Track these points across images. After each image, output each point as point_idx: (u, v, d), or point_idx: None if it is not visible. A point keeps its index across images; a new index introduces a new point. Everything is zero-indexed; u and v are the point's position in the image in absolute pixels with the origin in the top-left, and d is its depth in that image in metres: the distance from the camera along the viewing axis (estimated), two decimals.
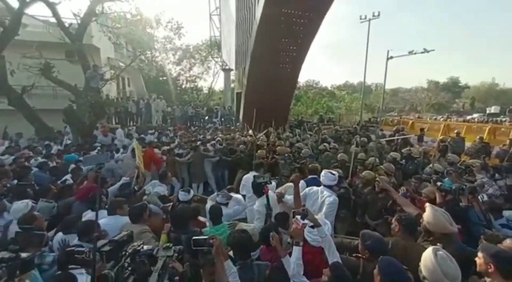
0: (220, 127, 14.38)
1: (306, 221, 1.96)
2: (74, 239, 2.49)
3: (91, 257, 1.24)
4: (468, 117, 28.95)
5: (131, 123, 14.08)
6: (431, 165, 4.33)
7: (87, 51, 10.11)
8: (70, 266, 1.32)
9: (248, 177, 4.24)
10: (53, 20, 9.35)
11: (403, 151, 5.72)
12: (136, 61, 15.07)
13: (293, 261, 1.85)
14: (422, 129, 10.30)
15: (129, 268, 1.16)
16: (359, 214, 4.02)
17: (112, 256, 1.18)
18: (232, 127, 13.75)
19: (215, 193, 3.83)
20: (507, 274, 1.58)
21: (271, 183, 3.20)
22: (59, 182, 4.49)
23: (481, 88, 47.31)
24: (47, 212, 3.45)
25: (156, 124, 14.03)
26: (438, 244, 2.13)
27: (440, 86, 48.04)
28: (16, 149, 7.06)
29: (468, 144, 8.31)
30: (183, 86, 29.54)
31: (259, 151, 6.02)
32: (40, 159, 5.65)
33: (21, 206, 2.99)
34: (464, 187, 2.66)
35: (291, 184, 3.41)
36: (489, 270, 1.64)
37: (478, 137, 7.46)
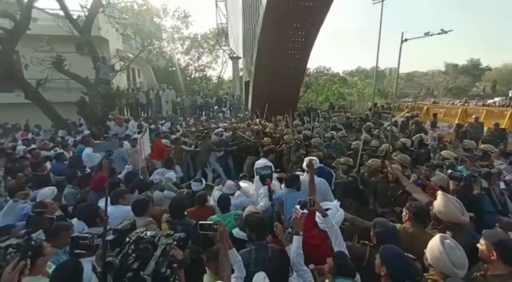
0: (229, 116, 14.41)
1: (305, 211, 1.96)
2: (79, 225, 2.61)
3: (94, 242, 1.29)
4: (489, 101, 27.50)
5: (142, 114, 14.34)
6: (442, 152, 4.15)
7: (95, 43, 10.20)
8: (76, 252, 1.38)
9: (260, 162, 4.28)
10: (62, 13, 9.43)
11: (413, 137, 5.53)
12: (145, 52, 15.11)
13: (293, 250, 1.86)
14: (435, 115, 9.90)
15: (133, 255, 1.19)
16: (371, 202, 3.96)
17: (116, 244, 1.21)
18: (241, 115, 13.73)
19: (221, 181, 3.89)
20: (508, 261, 1.58)
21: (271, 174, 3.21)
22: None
23: (504, 71, 44.49)
24: (72, 197, 3.67)
25: (166, 115, 14.22)
26: (448, 232, 2.08)
27: (459, 69, 45.61)
28: (34, 140, 7.40)
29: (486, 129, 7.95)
30: (192, 76, 29.50)
31: (265, 139, 6.01)
32: (58, 150, 5.90)
33: (48, 192, 3.22)
34: (476, 174, 2.55)
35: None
36: (492, 258, 1.62)
37: (493, 123, 7.11)
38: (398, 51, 7.86)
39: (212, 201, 3.49)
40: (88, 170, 4.61)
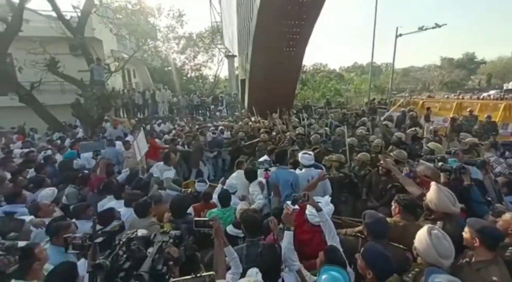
0: (226, 115, 14.42)
1: (296, 207, 1.98)
2: (83, 225, 2.64)
3: (86, 242, 1.31)
4: (484, 94, 27.67)
5: (139, 114, 14.30)
6: (429, 144, 4.19)
7: (89, 44, 10.14)
8: (68, 251, 1.40)
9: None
10: (54, 14, 9.35)
11: (407, 131, 5.57)
12: (139, 52, 15.03)
13: (284, 246, 1.88)
14: (428, 109, 9.98)
15: (125, 255, 1.19)
16: (364, 193, 4.00)
17: (105, 246, 1.22)
18: (237, 114, 13.74)
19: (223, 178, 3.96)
20: (491, 247, 1.65)
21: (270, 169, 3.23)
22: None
23: (499, 64, 44.66)
24: (74, 197, 3.69)
25: (163, 115, 14.19)
26: (438, 222, 2.13)
27: (454, 63, 45.77)
28: (29, 144, 7.37)
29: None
30: (189, 75, 29.41)
31: (262, 135, 6.05)
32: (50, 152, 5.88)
33: (49, 192, 3.26)
34: (465, 166, 2.60)
35: None
36: (475, 244, 1.68)
37: (486, 116, 7.20)
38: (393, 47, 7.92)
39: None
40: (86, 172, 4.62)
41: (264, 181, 3.19)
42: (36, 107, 9.01)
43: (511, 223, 1.85)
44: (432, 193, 2.21)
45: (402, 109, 9.49)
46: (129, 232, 1.33)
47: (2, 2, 8.85)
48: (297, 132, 6.15)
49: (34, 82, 8.77)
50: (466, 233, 1.76)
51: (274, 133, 6.74)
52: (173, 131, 8.69)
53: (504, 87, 32.54)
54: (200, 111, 15.67)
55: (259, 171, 3.51)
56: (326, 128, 6.65)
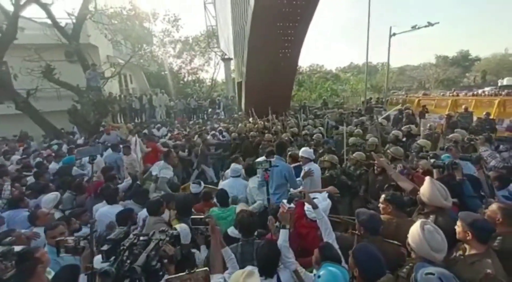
0: (223, 118, 14.46)
1: (292, 205, 2.02)
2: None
3: (80, 245, 1.32)
4: (479, 91, 27.89)
5: (136, 119, 14.31)
6: (419, 141, 4.25)
7: (85, 50, 10.16)
8: (61, 255, 1.41)
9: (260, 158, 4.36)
10: (49, 21, 9.38)
11: (402, 128, 5.62)
12: (136, 57, 15.07)
13: (280, 244, 1.91)
14: (424, 107, 10.08)
15: (128, 261, 1.21)
16: (362, 191, 4.04)
17: (111, 253, 1.24)
18: (235, 115, 13.78)
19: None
20: (483, 240, 1.68)
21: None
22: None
23: (493, 60, 45.08)
24: (70, 202, 3.71)
25: (160, 119, 14.20)
26: (431, 216, 2.16)
27: (449, 61, 46.16)
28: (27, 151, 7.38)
29: (476, 118, 8.12)
30: (185, 79, 29.47)
31: (266, 135, 6.14)
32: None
33: (52, 197, 3.29)
34: (456, 162, 2.64)
35: None
36: (467, 237, 1.71)
37: (485, 113, 7.27)
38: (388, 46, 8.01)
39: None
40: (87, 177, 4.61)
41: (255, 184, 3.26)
42: (33, 114, 9.01)
43: (498, 213, 1.89)
44: (425, 187, 2.25)
45: (399, 107, 9.57)
46: (131, 237, 1.35)
47: None
48: (290, 133, 6.23)
49: (30, 89, 8.78)
50: (458, 227, 1.79)
51: (270, 135, 6.78)
52: (169, 134, 8.70)
53: (499, 84, 32.81)
54: (198, 115, 15.70)
55: (258, 171, 3.55)
56: (320, 128, 6.70)
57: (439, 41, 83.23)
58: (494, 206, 1.95)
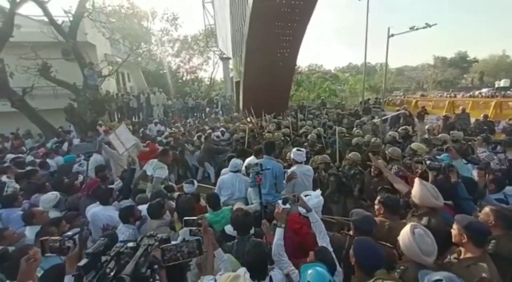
0: (221, 117, 14.41)
1: (287, 206, 2.02)
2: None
3: (66, 245, 1.30)
4: (476, 92, 28.04)
5: (134, 118, 14.25)
6: (412, 145, 4.24)
7: (82, 48, 10.09)
8: (46, 255, 1.39)
9: (251, 160, 4.31)
10: (46, 19, 9.29)
11: (399, 130, 5.62)
12: (133, 56, 14.99)
13: (274, 242, 1.93)
14: (423, 108, 10.09)
15: (112, 274, 1.17)
16: (356, 190, 4.03)
17: (89, 268, 1.19)
18: (233, 115, 13.75)
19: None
20: (479, 243, 1.66)
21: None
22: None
23: (490, 62, 45.39)
24: (62, 203, 3.63)
25: (158, 118, 14.15)
26: (424, 217, 2.17)
27: (447, 62, 46.38)
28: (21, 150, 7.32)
29: (473, 119, 8.14)
30: (184, 78, 29.38)
31: (267, 134, 6.22)
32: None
33: (51, 197, 3.23)
34: (452, 164, 2.65)
35: None
36: (463, 240, 1.70)
37: (483, 115, 7.27)
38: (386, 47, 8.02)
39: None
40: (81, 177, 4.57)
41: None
42: (29, 112, 8.93)
43: (491, 216, 1.89)
44: (416, 188, 2.27)
45: (397, 108, 9.58)
46: (118, 245, 1.31)
47: None
48: (282, 134, 6.26)
49: (26, 87, 8.70)
50: (454, 230, 1.78)
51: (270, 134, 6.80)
52: (166, 133, 8.69)
53: (496, 85, 33.01)
54: (195, 114, 15.66)
55: (250, 175, 3.52)
56: (319, 128, 6.70)
57: (437, 43, 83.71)
58: (487, 209, 1.95)
